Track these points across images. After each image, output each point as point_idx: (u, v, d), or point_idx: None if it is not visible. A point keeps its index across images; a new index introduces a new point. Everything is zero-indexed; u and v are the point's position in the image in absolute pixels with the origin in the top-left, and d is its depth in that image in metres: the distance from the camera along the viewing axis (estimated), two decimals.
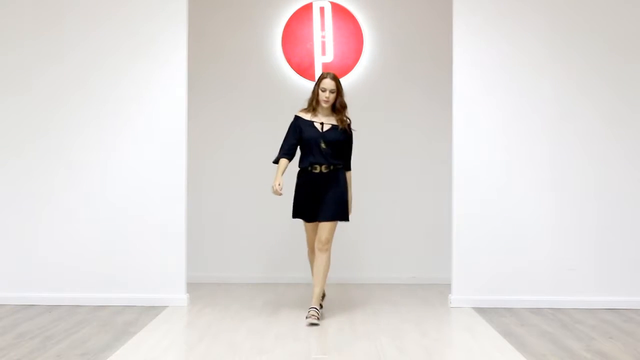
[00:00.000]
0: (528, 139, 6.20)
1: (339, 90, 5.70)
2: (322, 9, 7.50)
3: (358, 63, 7.51)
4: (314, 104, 5.74)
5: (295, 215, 5.82)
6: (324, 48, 7.43)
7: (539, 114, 6.21)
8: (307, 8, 7.52)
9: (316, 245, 5.68)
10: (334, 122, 5.72)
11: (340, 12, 7.51)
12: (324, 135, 5.69)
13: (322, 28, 7.49)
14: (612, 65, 6.22)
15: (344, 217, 5.74)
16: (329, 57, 7.45)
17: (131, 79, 6.19)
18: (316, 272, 5.67)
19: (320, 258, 5.65)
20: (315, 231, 5.76)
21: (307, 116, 5.75)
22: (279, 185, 5.59)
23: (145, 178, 6.18)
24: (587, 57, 6.22)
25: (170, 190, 6.17)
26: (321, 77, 5.72)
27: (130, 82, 6.19)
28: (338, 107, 5.71)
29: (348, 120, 5.76)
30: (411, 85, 7.52)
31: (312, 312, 5.51)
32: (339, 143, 5.72)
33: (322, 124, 5.72)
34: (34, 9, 6.22)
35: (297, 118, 5.78)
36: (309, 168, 5.70)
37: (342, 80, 7.40)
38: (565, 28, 6.22)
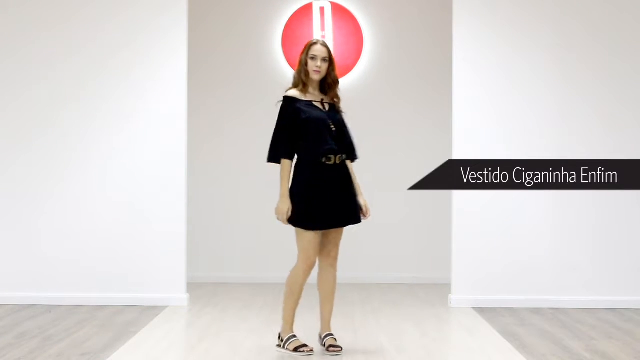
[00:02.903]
0: (527, 139, 6.20)
1: (331, 60, 4.56)
2: (322, 9, 7.50)
3: (358, 63, 7.51)
4: (303, 78, 4.54)
5: (311, 224, 4.48)
6: None
7: (538, 114, 6.21)
8: (307, 8, 7.51)
9: (325, 260, 4.64)
10: (330, 101, 4.62)
11: (340, 12, 7.51)
12: (329, 115, 4.57)
13: (322, 28, 7.49)
14: (611, 66, 6.22)
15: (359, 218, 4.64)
16: None
17: (133, 79, 6.21)
18: (328, 291, 4.68)
19: (331, 274, 4.65)
20: (321, 242, 4.59)
21: (300, 95, 4.55)
22: (289, 210, 4.51)
23: (146, 178, 6.18)
24: (586, 58, 6.22)
25: (171, 190, 6.17)
26: (310, 44, 4.54)
27: (132, 82, 6.21)
28: (330, 82, 4.56)
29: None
30: (411, 85, 7.52)
31: (332, 341, 4.66)
32: (342, 124, 4.61)
33: (322, 101, 4.58)
34: (38, 11, 6.23)
35: (291, 100, 4.53)
36: (323, 159, 4.49)
37: (342, 80, 7.37)
38: (565, 29, 6.22)
